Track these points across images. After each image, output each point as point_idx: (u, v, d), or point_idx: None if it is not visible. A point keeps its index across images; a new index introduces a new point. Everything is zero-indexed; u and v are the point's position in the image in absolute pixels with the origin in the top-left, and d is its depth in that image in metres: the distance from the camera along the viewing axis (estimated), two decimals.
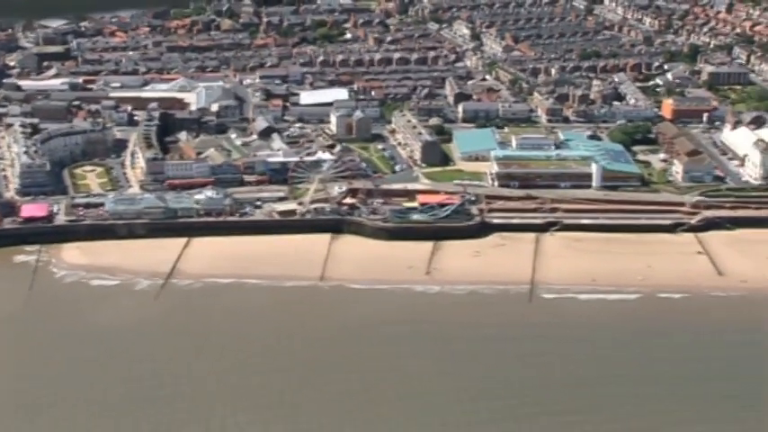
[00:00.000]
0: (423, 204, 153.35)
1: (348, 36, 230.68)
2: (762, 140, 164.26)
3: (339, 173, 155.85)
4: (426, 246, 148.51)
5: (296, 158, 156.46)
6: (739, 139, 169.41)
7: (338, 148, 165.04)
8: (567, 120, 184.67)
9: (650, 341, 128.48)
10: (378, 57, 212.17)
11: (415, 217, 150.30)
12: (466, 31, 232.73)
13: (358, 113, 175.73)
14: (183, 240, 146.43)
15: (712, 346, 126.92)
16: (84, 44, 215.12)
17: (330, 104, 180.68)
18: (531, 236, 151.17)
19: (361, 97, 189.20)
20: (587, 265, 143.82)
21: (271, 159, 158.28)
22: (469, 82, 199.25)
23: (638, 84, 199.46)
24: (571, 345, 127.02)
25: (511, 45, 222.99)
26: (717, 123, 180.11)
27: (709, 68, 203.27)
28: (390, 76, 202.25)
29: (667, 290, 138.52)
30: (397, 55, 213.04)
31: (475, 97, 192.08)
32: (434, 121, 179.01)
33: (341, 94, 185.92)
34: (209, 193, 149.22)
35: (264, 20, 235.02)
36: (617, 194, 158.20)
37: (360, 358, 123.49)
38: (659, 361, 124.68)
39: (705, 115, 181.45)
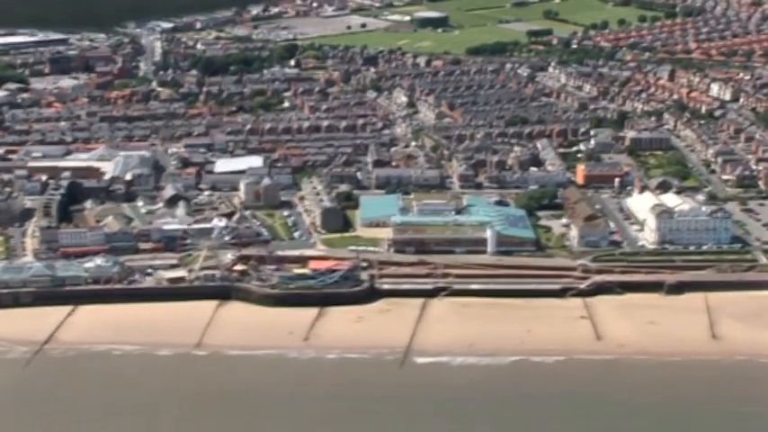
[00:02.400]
0: (314, 270, 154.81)
1: (286, 104, 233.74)
2: (658, 205, 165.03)
3: (231, 240, 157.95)
4: (312, 312, 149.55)
5: (189, 226, 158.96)
6: (641, 203, 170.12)
7: (237, 215, 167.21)
8: (479, 186, 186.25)
9: (515, 404, 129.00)
10: (306, 124, 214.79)
11: (302, 283, 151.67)
12: (404, 99, 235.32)
13: (266, 181, 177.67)
14: (68, 308, 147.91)
15: (575, 410, 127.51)
16: (19, 115, 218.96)
17: (244, 172, 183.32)
18: (419, 301, 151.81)
19: (279, 164, 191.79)
20: (468, 330, 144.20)
21: (166, 227, 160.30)
22: (392, 149, 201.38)
23: (562, 149, 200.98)
24: (430, 408, 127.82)
25: (444, 112, 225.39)
26: (628, 188, 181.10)
27: (632, 134, 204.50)
28: (313, 143, 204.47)
29: (543, 354, 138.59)
30: (326, 123, 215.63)
31: (394, 164, 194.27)
32: (344, 187, 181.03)
33: (256, 161, 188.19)
34: (98, 260, 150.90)
35: (205, 89, 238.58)
36: (510, 259, 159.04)
37: (218, 425, 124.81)
38: (519, 421, 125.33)
39: (616, 180, 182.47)
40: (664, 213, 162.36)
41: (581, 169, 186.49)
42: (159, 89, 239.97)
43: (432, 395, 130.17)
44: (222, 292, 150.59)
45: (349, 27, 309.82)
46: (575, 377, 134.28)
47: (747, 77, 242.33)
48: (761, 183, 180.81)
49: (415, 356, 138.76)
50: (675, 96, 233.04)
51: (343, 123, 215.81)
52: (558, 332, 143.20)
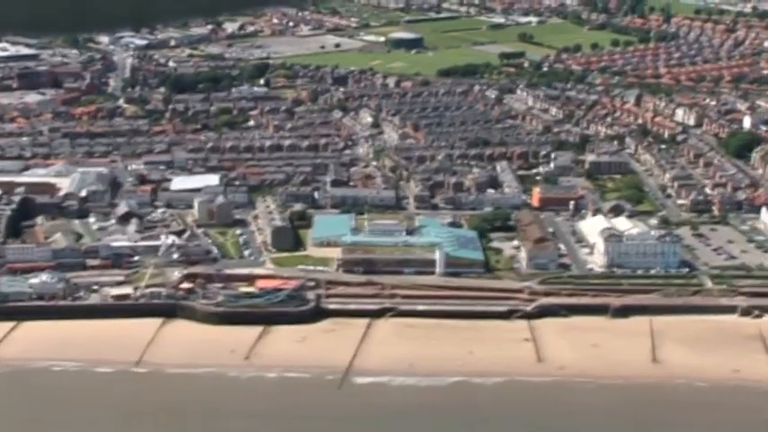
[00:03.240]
0: (260, 289, 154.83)
1: (251, 123, 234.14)
2: (608, 229, 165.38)
3: (179, 257, 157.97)
4: (255, 330, 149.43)
5: (137, 243, 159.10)
6: (593, 227, 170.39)
7: (188, 232, 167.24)
8: (435, 207, 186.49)
9: (452, 425, 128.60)
10: (268, 143, 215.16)
11: (248, 302, 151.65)
12: (369, 119, 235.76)
13: (220, 199, 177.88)
14: (10, 324, 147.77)
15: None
16: None
17: (200, 190, 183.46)
18: (365, 321, 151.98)
19: (237, 182, 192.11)
20: (410, 351, 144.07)
21: (114, 244, 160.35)
22: (352, 169, 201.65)
23: (522, 172, 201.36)
24: (367, 428, 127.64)
25: (408, 133, 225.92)
26: (582, 212, 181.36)
27: (591, 158, 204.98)
28: (273, 161, 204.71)
29: (483, 375, 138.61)
30: (288, 141, 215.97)
31: (352, 183, 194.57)
32: (299, 206, 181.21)
33: (212, 179, 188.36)
34: (43, 276, 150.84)
35: (171, 107, 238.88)
36: (458, 281, 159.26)
37: None
38: None
39: (571, 203, 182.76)
40: (612, 237, 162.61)
41: (536, 192, 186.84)
42: (125, 106, 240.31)
43: (369, 415, 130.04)
44: (167, 309, 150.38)
45: (323, 47, 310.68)
46: (513, 399, 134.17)
47: (713, 103, 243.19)
48: (715, 208, 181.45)
49: (354, 376, 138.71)
50: (640, 121, 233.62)
51: (306, 143, 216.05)
52: (500, 354, 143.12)
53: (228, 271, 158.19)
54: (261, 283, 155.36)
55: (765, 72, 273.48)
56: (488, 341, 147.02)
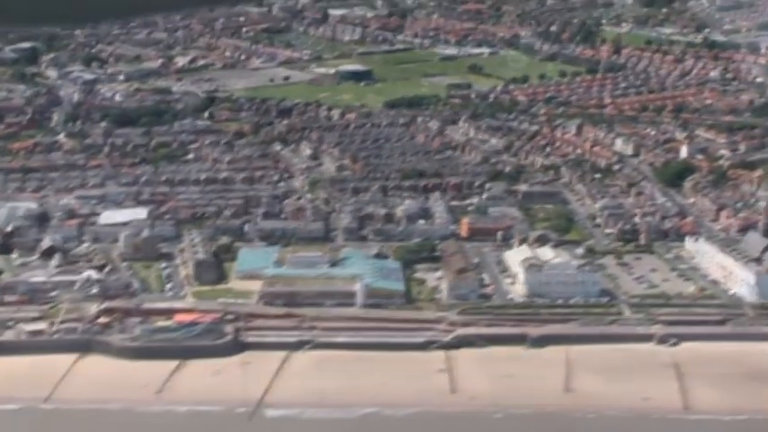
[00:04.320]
0: (177, 323, 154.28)
1: (191, 156, 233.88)
2: (528, 259, 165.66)
3: (97, 292, 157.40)
4: (170, 365, 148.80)
5: (54, 278, 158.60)
6: (516, 257, 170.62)
7: (108, 267, 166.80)
8: (364, 238, 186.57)
9: None
10: (203, 176, 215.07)
11: (164, 336, 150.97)
12: (308, 151, 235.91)
13: (145, 232, 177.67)
14: None
15: None
16: None
17: (127, 224, 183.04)
18: (282, 354, 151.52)
19: (167, 216, 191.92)
20: (324, 383, 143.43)
21: (32, 279, 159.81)
22: (285, 201, 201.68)
23: (456, 202, 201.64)
24: None
25: (345, 164, 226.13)
26: (510, 241, 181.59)
27: (524, 187, 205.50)
28: (206, 194, 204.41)
29: (395, 407, 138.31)
30: (223, 174, 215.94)
31: (283, 216, 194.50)
32: (225, 239, 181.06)
33: (140, 213, 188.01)
34: None
35: (110, 141, 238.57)
36: (377, 312, 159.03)
37: None
38: None
39: (499, 233, 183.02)
40: (533, 267, 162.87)
41: (465, 222, 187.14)
42: (64, 140, 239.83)
43: None
44: (82, 344, 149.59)
45: (272, 80, 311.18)
46: (423, 430, 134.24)
47: (653, 132, 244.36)
48: (642, 236, 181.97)
49: (266, 409, 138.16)
50: (579, 150, 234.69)
51: (242, 175, 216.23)
52: (413, 386, 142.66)
53: (147, 305, 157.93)
54: (179, 317, 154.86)
55: (708, 102, 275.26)
56: (404, 372, 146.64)
